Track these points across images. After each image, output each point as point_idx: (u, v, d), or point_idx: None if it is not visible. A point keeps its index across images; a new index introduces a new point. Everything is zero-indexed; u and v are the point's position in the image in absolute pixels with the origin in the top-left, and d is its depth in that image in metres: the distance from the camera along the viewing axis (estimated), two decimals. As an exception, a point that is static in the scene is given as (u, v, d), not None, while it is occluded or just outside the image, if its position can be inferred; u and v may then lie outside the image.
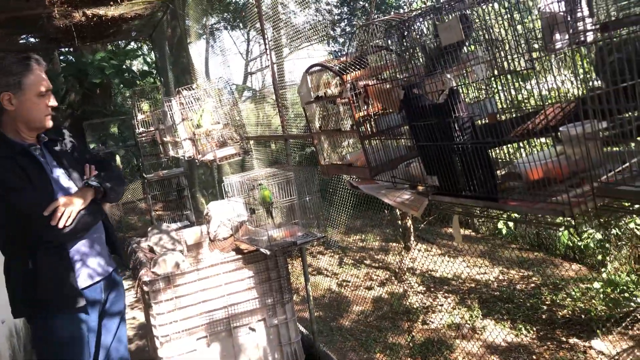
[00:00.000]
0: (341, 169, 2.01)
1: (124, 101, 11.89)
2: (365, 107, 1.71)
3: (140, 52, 12.15)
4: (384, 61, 1.63)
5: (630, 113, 0.94)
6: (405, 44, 1.40)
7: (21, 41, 7.55)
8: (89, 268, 2.42)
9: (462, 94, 1.27)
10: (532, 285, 6.18)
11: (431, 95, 1.37)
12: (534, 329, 5.11)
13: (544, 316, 5.28)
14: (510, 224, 5.36)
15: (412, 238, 7.12)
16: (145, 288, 3.13)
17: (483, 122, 1.34)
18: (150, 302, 3.14)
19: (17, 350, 3.97)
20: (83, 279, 2.41)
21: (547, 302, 5.52)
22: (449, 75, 1.33)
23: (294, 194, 3.19)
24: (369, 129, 1.74)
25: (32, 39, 8.29)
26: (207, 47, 13.59)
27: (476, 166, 1.23)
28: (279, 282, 3.39)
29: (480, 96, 1.33)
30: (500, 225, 5.34)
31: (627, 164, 0.92)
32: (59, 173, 2.40)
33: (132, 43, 11.87)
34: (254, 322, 3.37)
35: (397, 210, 7.24)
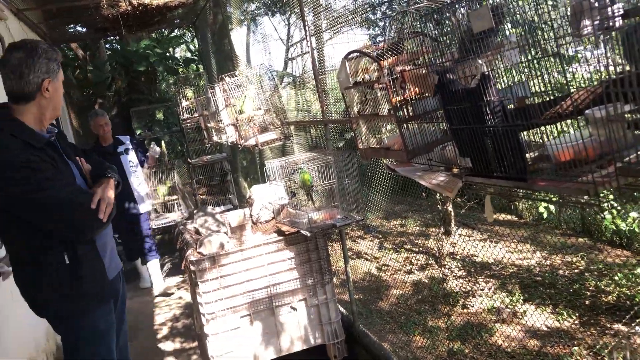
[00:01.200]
0: (379, 153, 2.06)
1: (167, 88, 12.15)
2: (402, 91, 1.75)
3: (183, 40, 12.37)
4: (420, 47, 1.67)
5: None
6: (440, 30, 1.44)
7: (70, 30, 7.82)
8: (112, 260, 2.41)
9: (493, 79, 1.31)
10: (576, 270, 6.10)
11: (464, 80, 1.42)
12: (576, 314, 5.07)
13: (587, 302, 5.23)
14: (552, 208, 5.29)
15: (452, 223, 7.11)
16: (192, 267, 3.28)
17: (515, 105, 1.37)
18: (197, 281, 3.28)
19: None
20: (110, 271, 2.38)
21: (590, 288, 5.45)
22: (480, 61, 1.37)
23: (333, 178, 3.26)
24: (406, 113, 1.79)
25: (79, 28, 8.59)
26: (248, 33, 13.73)
27: (507, 148, 1.28)
28: (319, 264, 3.49)
29: (517, 80, 1.36)
30: (541, 209, 5.28)
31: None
32: (71, 165, 2.33)
33: (176, 30, 12.09)
34: (295, 302, 3.48)
35: (438, 195, 7.23)
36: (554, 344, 4.62)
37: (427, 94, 1.73)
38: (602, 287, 5.38)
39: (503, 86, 1.38)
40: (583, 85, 1.12)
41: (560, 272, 6.08)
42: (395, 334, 5.01)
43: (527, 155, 1.34)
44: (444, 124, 1.84)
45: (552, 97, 1.21)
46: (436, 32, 1.52)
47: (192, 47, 11.49)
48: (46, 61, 2.11)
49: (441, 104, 1.54)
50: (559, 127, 1.26)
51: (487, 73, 1.31)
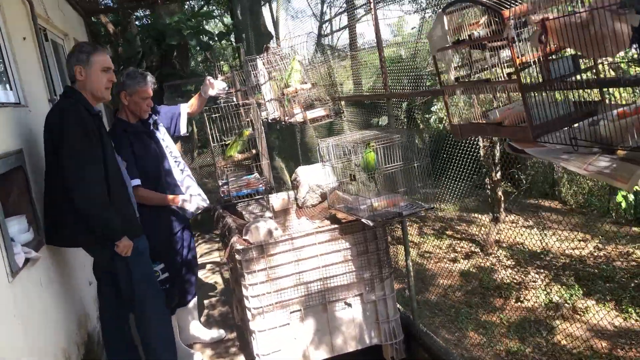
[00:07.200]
0: (483, 130, 1.66)
1: (197, 66, 11.84)
2: (538, 48, 1.35)
3: (215, 14, 12.02)
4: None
5: None
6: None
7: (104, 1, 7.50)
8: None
9: None
10: (633, 263, 5.67)
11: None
12: (644, 312, 4.67)
13: (654, 299, 4.83)
14: (631, 197, 4.80)
15: (502, 209, 6.66)
16: (238, 257, 2.94)
17: None
18: (243, 272, 2.94)
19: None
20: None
21: (655, 284, 5.05)
22: None
23: (398, 159, 2.86)
24: (535, 77, 1.38)
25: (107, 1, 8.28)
26: (277, 7, 13.19)
27: None
28: (378, 255, 3.11)
29: None
30: (619, 198, 4.79)
31: None
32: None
33: (206, 6, 11.77)
34: (350, 297, 3.12)
35: (487, 179, 6.77)
36: (625, 345, 4.22)
37: (577, 52, 1.32)
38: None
39: None
40: None
41: (617, 264, 5.66)
42: (446, 328, 4.66)
43: None
44: (577, 92, 1.44)
45: None
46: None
47: (225, 20, 11.14)
48: (78, 54, 2.91)
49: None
50: None
51: None
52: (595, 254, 6.10)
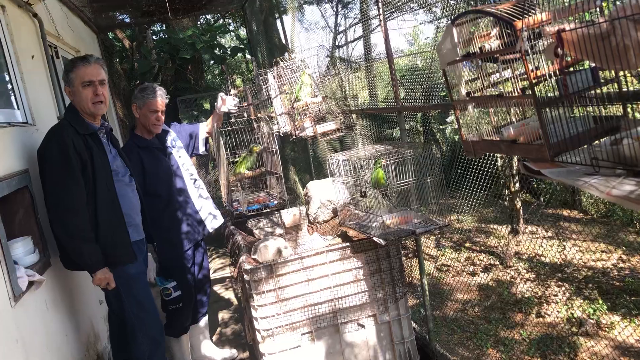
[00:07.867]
0: (497, 147, 1.55)
1: (213, 79, 11.82)
2: (553, 61, 1.25)
3: (230, 28, 12.02)
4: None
5: None
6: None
7: (116, 16, 7.48)
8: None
9: None
10: (661, 276, 5.47)
11: None
12: (672, 328, 4.48)
13: (681, 314, 4.64)
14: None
15: (521, 220, 6.48)
16: (246, 277, 2.85)
17: None
18: (252, 293, 2.85)
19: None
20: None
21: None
22: None
23: (410, 175, 2.76)
24: (551, 91, 1.28)
25: (123, 17, 8.29)
26: (293, 20, 13.16)
27: None
28: (391, 274, 3.00)
29: None
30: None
31: None
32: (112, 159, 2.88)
33: (222, 20, 11.79)
34: (363, 318, 3.01)
35: (506, 190, 6.60)
36: (652, 364, 4.04)
37: (596, 64, 1.22)
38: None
39: None
40: None
41: (643, 276, 5.46)
42: (464, 345, 4.51)
43: None
44: (596, 108, 1.33)
45: None
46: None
47: (240, 34, 11.12)
48: (63, 74, 2.83)
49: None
50: None
51: None
52: (619, 265, 5.90)
